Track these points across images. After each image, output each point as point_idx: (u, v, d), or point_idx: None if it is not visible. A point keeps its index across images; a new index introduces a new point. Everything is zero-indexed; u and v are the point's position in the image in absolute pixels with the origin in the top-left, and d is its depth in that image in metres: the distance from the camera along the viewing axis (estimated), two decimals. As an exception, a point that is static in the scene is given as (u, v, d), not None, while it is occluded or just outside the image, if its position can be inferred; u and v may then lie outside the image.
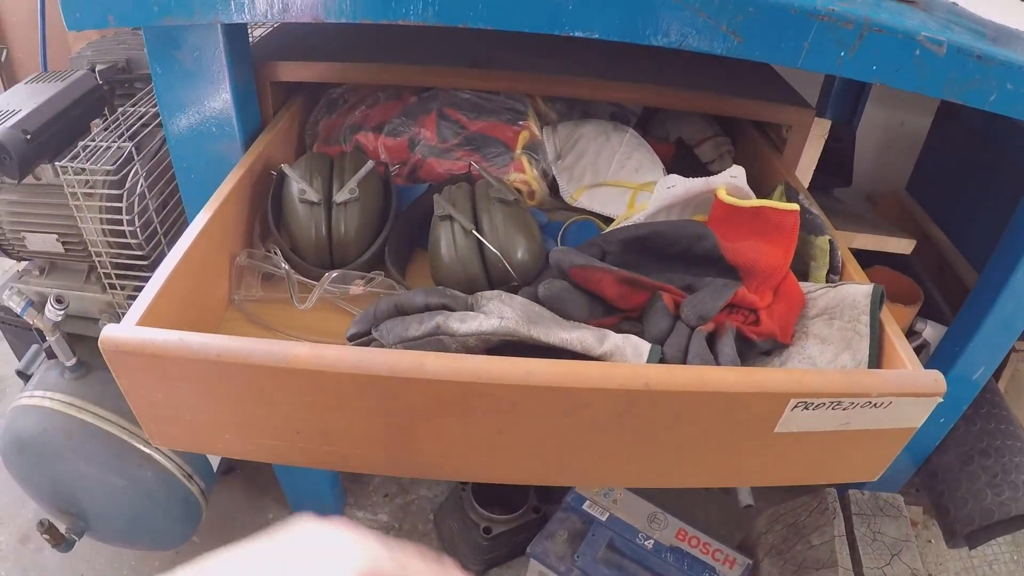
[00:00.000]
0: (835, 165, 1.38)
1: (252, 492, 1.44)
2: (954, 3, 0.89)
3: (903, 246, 1.12)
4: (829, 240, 0.73)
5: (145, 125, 1.10)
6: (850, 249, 1.25)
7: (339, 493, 1.41)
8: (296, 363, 0.54)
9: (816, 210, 0.80)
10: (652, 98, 0.94)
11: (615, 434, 0.60)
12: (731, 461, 0.63)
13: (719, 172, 0.76)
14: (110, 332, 0.55)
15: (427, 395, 0.56)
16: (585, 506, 1.17)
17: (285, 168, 0.81)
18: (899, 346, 0.64)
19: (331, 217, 0.80)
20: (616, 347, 0.62)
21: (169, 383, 0.58)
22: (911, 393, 0.58)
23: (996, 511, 1.16)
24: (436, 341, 0.61)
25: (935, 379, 0.60)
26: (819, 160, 1.25)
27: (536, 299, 0.70)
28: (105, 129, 1.12)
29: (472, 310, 0.65)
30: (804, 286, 0.72)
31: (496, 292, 0.69)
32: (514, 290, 0.74)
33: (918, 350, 1.28)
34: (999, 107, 0.70)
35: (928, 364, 1.16)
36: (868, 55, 0.66)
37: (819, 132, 0.96)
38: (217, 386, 0.58)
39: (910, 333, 1.28)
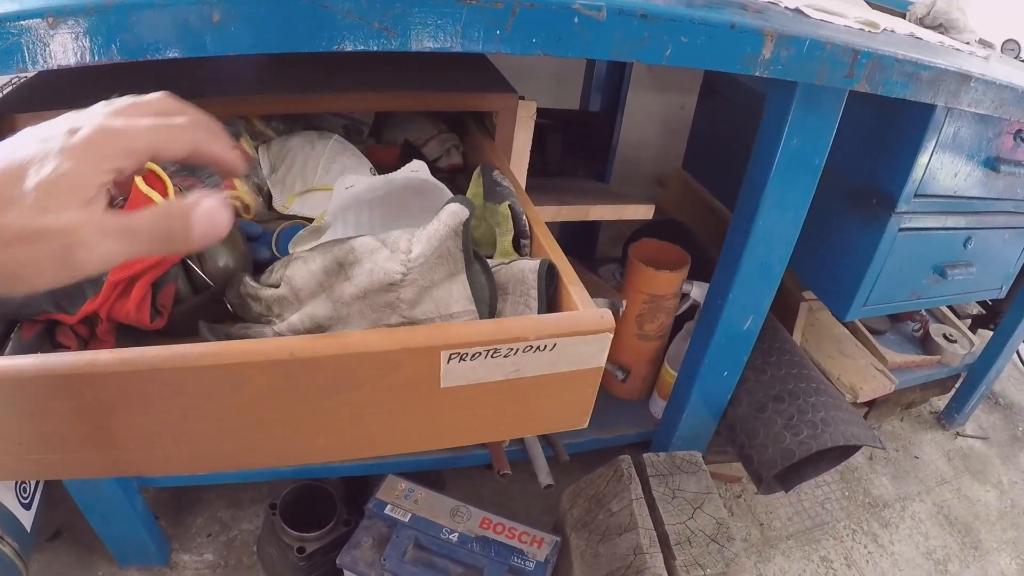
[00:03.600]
0: (591, 150, 1.44)
1: (79, 553, 1.38)
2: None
3: (643, 212, 1.17)
4: (509, 205, 0.75)
5: None
6: (595, 221, 1.30)
7: (160, 539, 1.36)
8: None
9: (507, 183, 0.82)
10: (362, 103, 0.97)
11: (287, 408, 0.59)
12: (415, 423, 0.63)
13: (445, 168, 0.78)
14: None
15: (107, 389, 0.54)
16: (387, 510, 1.16)
17: None
18: (574, 292, 0.66)
19: None
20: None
21: None
22: (572, 332, 0.60)
23: (796, 450, 1.21)
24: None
25: (601, 316, 0.61)
26: (572, 147, 1.31)
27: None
28: None
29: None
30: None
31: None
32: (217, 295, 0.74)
33: (691, 310, 1.33)
34: (676, 60, 0.73)
35: (699, 321, 1.22)
36: (524, 30, 0.67)
37: (526, 113, 1.00)
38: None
39: (681, 297, 1.33)
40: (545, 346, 0.59)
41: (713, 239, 1.50)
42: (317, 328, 0.66)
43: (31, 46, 0.58)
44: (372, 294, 0.65)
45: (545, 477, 1.18)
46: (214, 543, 1.41)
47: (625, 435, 1.43)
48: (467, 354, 0.57)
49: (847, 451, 1.29)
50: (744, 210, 1.05)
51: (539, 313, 0.66)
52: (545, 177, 1.09)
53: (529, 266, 0.68)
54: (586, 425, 0.69)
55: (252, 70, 1.05)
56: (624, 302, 1.17)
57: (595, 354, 0.62)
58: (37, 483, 1.28)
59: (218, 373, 0.55)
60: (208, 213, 0.43)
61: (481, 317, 0.65)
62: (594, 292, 1.13)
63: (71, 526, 1.41)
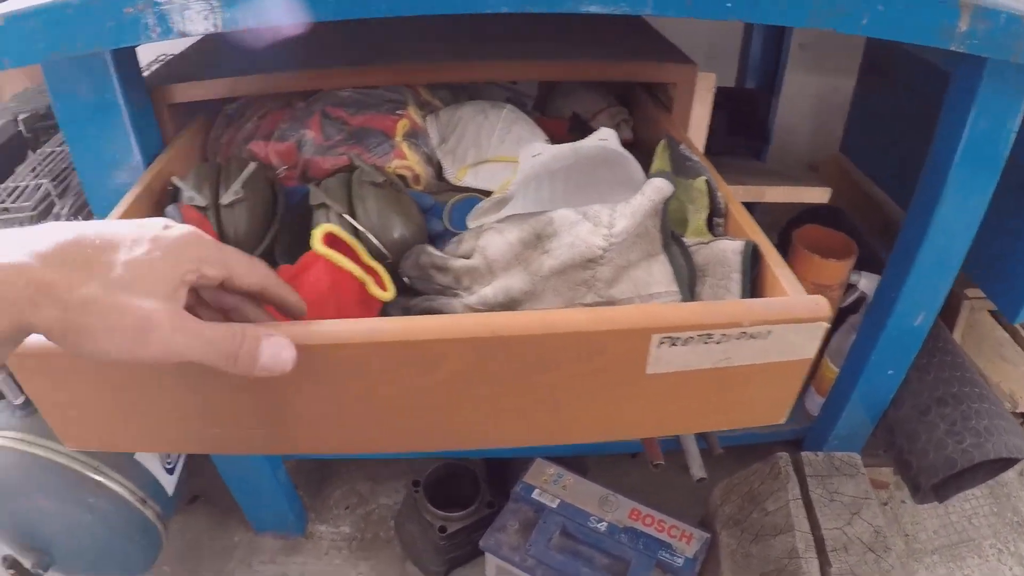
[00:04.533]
0: (751, 128, 1.40)
1: (216, 517, 1.44)
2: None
3: (818, 195, 1.10)
4: (706, 180, 0.71)
5: (70, 165, 1.11)
6: (764, 211, 1.25)
7: (299, 509, 1.41)
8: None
9: (696, 157, 0.78)
10: (529, 72, 0.96)
11: (481, 389, 0.57)
12: (613, 410, 0.60)
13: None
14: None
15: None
16: (534, 495, 1.14)
17: (175, 180, 0.82)
18: (780, 275, 0.62)
19: (220, 219, 0.80)
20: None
21: (65, 381, 0.57)
22: (786, 319, 0.55)
23: (959, 459, 1.13)
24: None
25: (816, 303, 0.57)
26: (733, 125, 1.26)
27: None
28: (30, 170, 1.15)
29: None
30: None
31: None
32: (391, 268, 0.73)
33: (857, 303, 1.27)
34: (872, 30, 0.69)
35: (867, 314, 1.16)
36: None
37: (705, 86, 0.95)
38: (108, 378, 0.57)
39: (848, 287, 1.27)
40: (759, 333, 0.55)
41: (871, 227, 1.42)
42: (511, 302, 0.64)
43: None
44: (570, 270, 0.63)
45: (698, 470, 1.14)
46: (351, 515, 1.44)
47: (779, 431, 1.37)
48: (679, 339, 0.54)
49: (1004, 464, 1.20)
50: (922, 198, 0.99)
51: (742, 297, 0.63)
52: (709, 155, 1.05)
53: (732, 247, 0.65)
54: (783, 421, 0.65)
55: (416, 39, 1.05)
56: None
57: (807, 344, 0.58)
58: (181, 448, 1.34)
59: (413, 350, 0.53)
60: (276, 348, 0.47)
61: (683, 300, 0.62)
62: None
63: (208, 492, 1.47)
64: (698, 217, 0.72)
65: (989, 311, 1.67)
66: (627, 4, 0.66)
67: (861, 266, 1.25)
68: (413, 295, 0.73)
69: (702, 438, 1.26)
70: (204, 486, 1.47)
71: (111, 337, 0.41)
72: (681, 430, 0.65)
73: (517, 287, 0.64)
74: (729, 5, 0.65)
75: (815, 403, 1.36)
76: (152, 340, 0.42)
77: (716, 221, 0.72)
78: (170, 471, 1.25)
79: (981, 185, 0.96)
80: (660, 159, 0.79)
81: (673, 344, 0.55)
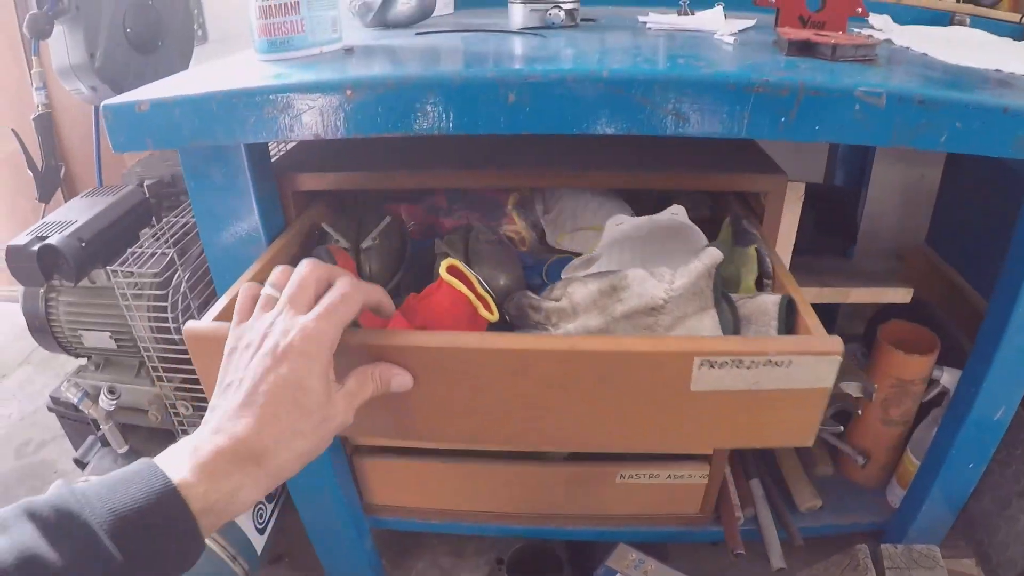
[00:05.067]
0: (837, 226, 1.43)
1: (299, 577, 1.50)
2: (924, 54, 0.96)
3: (901, 296, 1.15)
4: (756, 248, 0.85)
5: (187, 233, 1.21)
6: (849, 304, 1.29)
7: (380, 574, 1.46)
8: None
9: (753, 229, 0.93)
10: (628, 182, 1.04)
11: (561, 395, 0.71)
12: (668, 421, 0.73)
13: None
14: (192, 326, 0.71)
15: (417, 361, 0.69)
16: (616, 579, 1.19)
17: (324, 226, 1.01)
18: (808, 319, 0.74)
19: (359, 259, 1.00)
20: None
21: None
22: (804, 351, 0.67)
23: None
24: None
25: (831, 340, 0.68)
26: (821, 224, 1.31)
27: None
28: (152, 237, 1.25)
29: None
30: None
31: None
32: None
33: (939, 398, 1.29)
34: (951, 146, 0.72)
35: (948, 408, 1.19)
36: (809, 117, 0.71)
37: (795, 196, 1.04)
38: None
39: (929, 382, 1.29)
40: (782, 362, 0.67)
41: (957, 319, 1.45)
42: (589, 337, 0.80)
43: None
44: (637, 315, 0.78)
45: (778, 560, 1.17)
46: (434, 587, 1.45)
47: (860, 523, 1.38)
48: (716, 362, 0.67)
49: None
50: (1004, 290, 1.01)
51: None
52: (795, 254, 1.13)
53: (771, 300, 0.78)
54: (810, 444, 0.74)
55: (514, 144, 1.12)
56: (875, 385, 1.16)
57: (824, 375, 0.69)
58: (273, 510, 1.40)
59: (509, 357, 0.69)
60: (399, 377, 0.68)
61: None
62: (845, 374, 1.14)
63: (293, 552, 1.52)
64: (750, 278, 0.86)
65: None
66: (722, 127, 0.72)
67: (946, 359, 1.26)
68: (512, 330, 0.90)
69: (783, 527, 1.29)
70: (289, 546, 1.53)
71: (334, 433, 0.62)
72: (720, 444, 0.75)
73: (594, 325, 0.80)
74: (817, 128, 0.71)
75: (896, 495, 1.36)
76: (344, 421, 0.62)
77: (765, 281, 0.86)
78: (261, 530, 1.32)
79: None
80: (725, 232, 0.96)
81: (712, 367, 0.67)
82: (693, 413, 0.71)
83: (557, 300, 0.85)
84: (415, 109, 0.73)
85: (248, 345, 0.60)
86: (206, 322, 0.72)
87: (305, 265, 0.64)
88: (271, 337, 0.59)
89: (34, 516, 0.48)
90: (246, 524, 1.27)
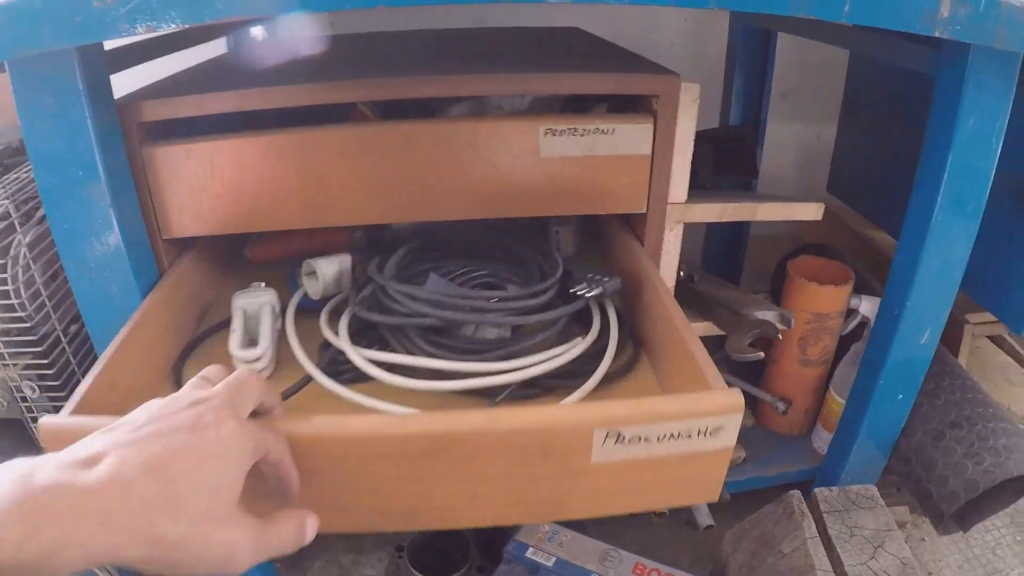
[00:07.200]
0: (739, 163, 1.40)
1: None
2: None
3: (812, 212, 1.07)
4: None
5: (30, 195, 1.06)
6: (739, 250, 1.25)
7: (271, 575, 1.33)
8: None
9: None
10: (505, 86, 0.92)
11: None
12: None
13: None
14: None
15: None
16: (529, 553, 1.05)
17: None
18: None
19: None
20: None
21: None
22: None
23: (981, 480, 1.08)
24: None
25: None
26: (719, 164, 1.30)
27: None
28: None
29: None
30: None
31: None
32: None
33: (859, 331, 1.24)
34: (855, 16, 0.71)
35: (870, 338, 1.12)
36: None
37: (690, 97, 0.90)
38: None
39: (848, 313, 1.24)
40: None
41: (864, 264, 1.41)
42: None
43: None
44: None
45: (705, 518, 1.07)
46: (335, 589, 1.35)
47: (787, 472, 1.32)
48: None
49: (1022, 487, 1.14)
50: (919, 206, 0.97)
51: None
52: (698, 190, 1.01)
53: None
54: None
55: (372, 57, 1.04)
56: (793, 313, 1.06)
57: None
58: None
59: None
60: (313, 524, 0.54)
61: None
62: (759, 305, 1.04)
63: None
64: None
65: (988, 336, 1.64)
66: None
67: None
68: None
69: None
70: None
71: (201, 567, 0.46)
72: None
73: None
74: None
75: (823, 440, 1.30)
76: (237, 564, 0.47)
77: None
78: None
79: (976, 184, 0.94)
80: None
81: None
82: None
83: None
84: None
85: (176, 399, 0.51)
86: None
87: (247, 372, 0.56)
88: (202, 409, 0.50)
89: None
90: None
